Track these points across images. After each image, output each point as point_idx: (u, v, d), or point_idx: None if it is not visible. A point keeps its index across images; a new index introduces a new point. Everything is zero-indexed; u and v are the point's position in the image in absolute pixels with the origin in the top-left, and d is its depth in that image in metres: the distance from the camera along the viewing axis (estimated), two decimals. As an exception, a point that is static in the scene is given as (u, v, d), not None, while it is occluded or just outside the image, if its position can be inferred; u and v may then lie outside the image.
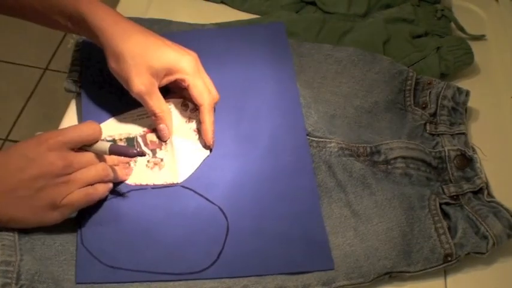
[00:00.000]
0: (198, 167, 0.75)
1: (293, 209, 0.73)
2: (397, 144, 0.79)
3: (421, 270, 0.70)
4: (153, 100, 0.74)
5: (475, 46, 0.90)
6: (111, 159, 0.71)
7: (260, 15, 0.97)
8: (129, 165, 0.74)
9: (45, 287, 0.64)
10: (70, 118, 0.81)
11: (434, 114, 0.83)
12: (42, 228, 0.68)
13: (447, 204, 0.75)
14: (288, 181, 0.75)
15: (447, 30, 0.95)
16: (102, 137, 0.70)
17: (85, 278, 0.66)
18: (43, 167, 0.64)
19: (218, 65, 0.85)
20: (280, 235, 0.71)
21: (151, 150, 0.76)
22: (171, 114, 0.77)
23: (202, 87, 0.75)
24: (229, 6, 0.99)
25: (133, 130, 0.77)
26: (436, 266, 0.70)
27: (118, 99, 0.79)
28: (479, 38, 0.96)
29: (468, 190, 0.76)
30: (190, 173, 0.74)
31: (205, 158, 0.76)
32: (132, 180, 0.74)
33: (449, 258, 0.70)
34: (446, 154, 0.79)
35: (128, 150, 0.68)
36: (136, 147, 0.76)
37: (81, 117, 0.80)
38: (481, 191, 0.76)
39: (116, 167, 0.72)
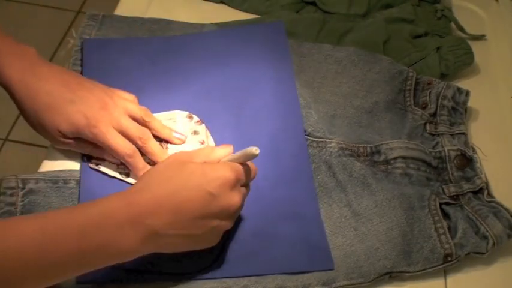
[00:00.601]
0: None
1: (292, 211, 0.73)
2: (397, 144, 0.79)
3: (421, 270, 0.70)
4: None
5: (475, 46, 0.90)
6: None
7: (260, 15, 0.97)
8: None
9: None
10: (70, 118, 0.81)
11: (434, 114, 0.83)
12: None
13: (447, 204, 0.75)
14: (287, 184, 0.75)
15: (447, 30, 0.95)
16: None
17: (85, 277, 0.66)
18: (226, 206, 0.62)
19: (218, 65, 0.85)
20: (280, 236, 0.71)
21: None
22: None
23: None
24: (229, 6, 0.99)
25: None
26: (436, 266, 0.70)
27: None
28: (479, 38, 0.96)
29: (468, 190, 0.76)
30: None
31: None
32: (132, 180, 0.74)
33: (449, 258, 0.70)
34: (446, 154, 0.79)
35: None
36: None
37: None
38: (481, 191, 0.76)
39: None
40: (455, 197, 0.76)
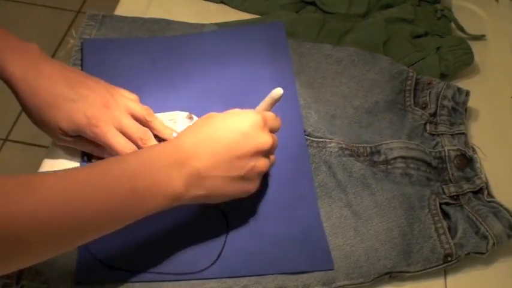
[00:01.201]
0: None
1: (292, 211, 0.73)
2: (397, 144, 0.79)
3: (421, 270, 0.70)
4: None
5: (475, 46, 0.90)
6: None
7: (260, 15, 0.97)
8: None
9: (45, 287, 0.64)
10: (70, 118, 0.81)
11: (434, 114, 0.83)
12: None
13: (447, 204, 0.75)
14: (287, 184, 0.75)
15: (447, 30, 0.95)
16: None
17: (85, 277, 0.66)
18: (258, 144, 0.65)
19: (218, 65, 0.85)
20: (280, 236, 0.71)
21: None
22: None
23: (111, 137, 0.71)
24: (229, 6, 0.99)
25: None
26: (436, 266, 0.70)
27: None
28: (479, 38, 0.96)
29: (468, 190, 0.76)
30: None
31: None
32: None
33: (449, 258, 0.70)
34: (446, 154, 0.79)
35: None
36: None
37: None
38: (481, 191, 0.76)
39: None
40: (455, 197, 0.76)
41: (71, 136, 0.73)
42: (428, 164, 0.78)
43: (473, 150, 0.80)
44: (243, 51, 0.87)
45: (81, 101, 0.71)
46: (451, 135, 0.81)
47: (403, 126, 0.83)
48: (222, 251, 0.69)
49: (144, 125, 0.74)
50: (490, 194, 0.75)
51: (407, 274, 0.70)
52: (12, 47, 0.72)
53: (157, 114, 0.77)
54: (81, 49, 0.85)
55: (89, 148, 0.74)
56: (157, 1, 0.98)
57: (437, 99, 0.83)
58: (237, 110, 0.68)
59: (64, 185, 0.56)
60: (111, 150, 0.71)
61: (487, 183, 0.76)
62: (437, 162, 0.79)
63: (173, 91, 0.82)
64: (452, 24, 0.96)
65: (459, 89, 0.84)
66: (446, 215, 0.74)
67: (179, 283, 0.67)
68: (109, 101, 0.72)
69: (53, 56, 1.94)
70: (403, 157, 0.78)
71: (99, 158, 0.75)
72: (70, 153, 0.76)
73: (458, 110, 0.83)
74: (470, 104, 0.84)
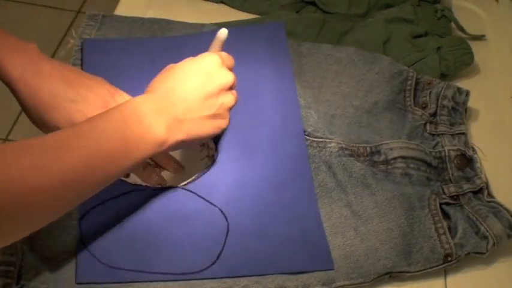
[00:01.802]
0: (198, 174, 0.75)
1: (292, 211, 0.73)
2: (397, 144, 0.79)
3: (421, 270, 0.70)
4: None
5: (475, 46, 0.90)
6: None
7: (260, 15, 0.97)
8: None
9: (45, 287, 0.64)
10: (70, 118, 0.81)
11: (434, 114, 0.83)
12: (42, 228, 0.68)
13: (447, 204, 0.75)
14: (287, 184, 0.75)
15: (447, 30, 0.95)
16: None
17: (85, 278, 0.66)
18: (222, 81, 0.68)
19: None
20: (280, 236, 0.71)
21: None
22: None
23: None
24: (229, 6, 0.99)
25: None
26: (436, 266, 0.70)
27: (118, 99, 0.79)
28: (479, 38, 0.96)
29: (468, 190, 0.76)
30: (190, 178, 0.74)
31: (208, 166, 0.76)
32: (132, 179, 0.74)
33: (449, 258, 0.70)
34: (446, 154, 0.79)
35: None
36: None
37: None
38: (481, 191, 0.76)
39: None
40: (455, 197, 0.76)
41: None
42: (428, 164, 0.78)
43: (473, 150, 0.80)
44: (243, 51, 0.87)
45: (81, 102, 0.71)
46: (451, 135, 0.81)
47: (403, 126, 0.83)
48: (222, 251, 0.69)
49: None
50: (490, 194, 0.75)
51: (407, 274, 0.70)
52: (10, 46, 0.71)
53: None
54: (81, 49, 0.85)
55: None
56: (157, 1, 0.98)
57: (437, 99, 0.83)
58: (192, 57, 0.70)
59: (56, 143, 0.58)
60: None
61: (487, 183, 0.76)
62: (437, 162, 0.79)
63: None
64: (452, 24, 0.96)
65: (459, 89, 0.84)
66: (446, 215, 0.74)
67: (179, 283, 0.67)
68: (109, 102, 0.72)
69: (52, 56, 1.94)
70: (403, 157, 0.78)
71: None
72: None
73: (458, 110, 0.83)
74: (470, 104, 0.84)
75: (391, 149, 0.78)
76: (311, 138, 0.79)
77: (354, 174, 0.76)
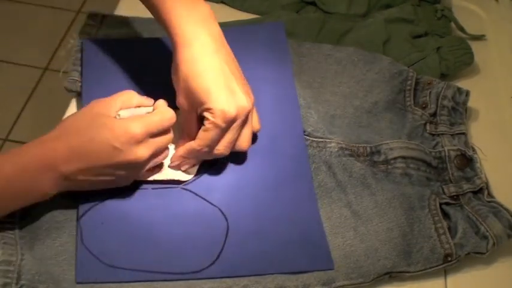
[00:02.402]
0: (198, 172, 0.75)
1: (292, 212, 0.73)
2: (397, 144, 0.79)
3: (421, 270, 0.70)
4: (185, 122, 0.72)
5: (475, 46, 0.90)
6: None
7: (260, 15, 0.97)
8: None
9: (45, 287, 0.64)
10: (70, 118, 0.81)
11: (434, 114, 0.83)
12: (42, 228, 0.68)
13: (447, 204, 0.75)
14: (286, 184, 0.75)
15: (447, 30, 0.95)
16: None
17: (85, 277, 0.66)
18: (131, 160, 0.65)
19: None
20: (280, 236, 0.71)
21: None
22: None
23: (211, 138, 0.69)
24: (229, 6, 0.99)
25: None
26: (436, 266, 0.70)
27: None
28: (479, 38, 0.96)
29: (468, 190, 0.76)
30: (190, 176, 0.74)
31: (207, 165, 0.76)
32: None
33: (449, 258, 0.70)
34: (446, 154, 0.79)
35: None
36: None
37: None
38: (481, 191, 0.76)
39: None
40: (455, 197, 0.76)
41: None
42: (428, 164, 0.78)
43: (473, 150, 0.80)
44: (242, 51, 0.86)
45: (226, 92, 0.68)
46: (451, 135, 0.81)
47: (403, 126, 0.83)
48: (221, 250, 0.69)
49: None
50: (490, 194, 0.75)
51: (407, 274, 0.70)
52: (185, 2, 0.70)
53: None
54: (81, 49, 0.85)
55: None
56: (157, 1, 0.98)
57: (437, 99, 0.83)
58: (116, 122, 0.66)
59: None
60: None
61: (487, 183, 0.76)
62: (437, 162, 0.79)
63: (173, 92, 0.82)
64: (452, 24, 0.96)
65: (459, 89, 0.84)
66: (446, 215, 0.74)
67: (179, 283, 0.67)
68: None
69: (53, 56, 1.94)
70: (403, 157, 0.78)
71: None
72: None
73: (458, 110, 0.83)
74: (470, 104, 0.84)
75: (391, 149, 0.78)
76: (311, 138, 0.79)
77: (354, 174, 0.76)
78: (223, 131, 0.69)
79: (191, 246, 0.69)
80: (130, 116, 0.67)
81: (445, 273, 0.72)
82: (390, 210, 0.74)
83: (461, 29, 0.95)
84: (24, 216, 0.69)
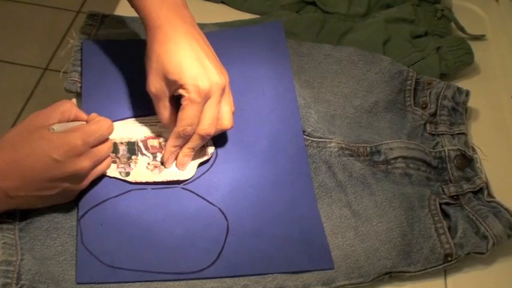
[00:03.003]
0: (198, 172, 0.75)
1: (292, 211, 0.73)
2: (397, 144, 0.79)
3: (421, 270, 0.70)
4: (159, 107, 0.73)
5: (475, 46, 0.90)
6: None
7: (260, 15, 0.97)
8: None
9: (45, 287, 0.64)
10: (70, 118, 0.81)
11: (434, 114, 0.83)
12: (42, 228, 0.68)
13: (447, 204, 0.75)
14: (286, 185, 0.75)
15: (447, 30, 0.95)
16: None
17: (85, 277, 0.66)
18: (72, 171, 0.65)
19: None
20: (280, 236, 0.71)
21: (152, 154, 0.76)
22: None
23: (191, 114, 0.70)
24: (229, 6, 0.99)
25: (135, 135, 0.77)
26: (436, 266, 0.70)
27: (118, 99, 0.79)
28: (479, 38, 0.96)
29: (468, 190, 0.76)
30: (190, 177, 0.74)
31: (205, 162, 0.76)
32: (132, 177, 0.74)
33: (449, 258, 0.70)
34: (446, 154, 0.79)
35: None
36: (137, 151, 0.76)
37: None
38: (481, 191, 0.76)
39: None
40: (455, 197, 0.76)
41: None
42: (428, 164, 0.78)
43: (473, 150, 0.80)
44: (241, 52, 0.87)
45: (200, 68, 0.70)
46: (451, 135, 0.81)
47: (403, 126, 0.83)
48: (222, 250, 0.69)
49: None
50: (490, 194, 0.75)
51: (407, 274, 0.70)
52: None
53: (156, 117, 0.77)
54: (81, 49, 0.85)
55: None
56: (157, 1, 0.98)
57: (437, 99, 0.83)
58: (54, 134, 0.65)
59: None
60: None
61: (487, 183, 0.76)
62: (437, 162, 0.79)
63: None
64: (452, 24, 0.96)
65: (459, 89, 0.84)
66: (446, 215, 0.74)
67: (179, 283, 0.67)
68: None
69: (53, 56, 1.94)
70: (403, 157, 0.78)
71: None
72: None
73: (458, 110, 0.83)
74: (470, 104, 0.84)
75: (391, 149, 0.78)
76: (311, 138, 0.79)
77: (354, 174, 0.76)
78: (200, 106, 0.70)
79: (191, 246, 0.69)
80: (64, 129, 0.67)
81: (445, 273, 0.72)
82: (390, 210, 0.74)
83: (461, 29, 0.95)
84: (25, 217, 0.69)
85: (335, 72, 0.87)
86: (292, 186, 0.75)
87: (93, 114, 0.71)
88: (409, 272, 0.70)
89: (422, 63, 0.89)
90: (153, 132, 0.77)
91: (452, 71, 0.89)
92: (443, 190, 0.76)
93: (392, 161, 0.78)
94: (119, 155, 0.75)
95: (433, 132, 0.82)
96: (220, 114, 0.72)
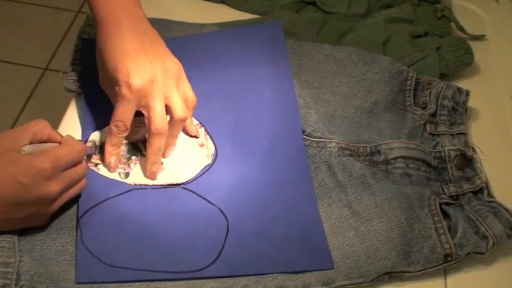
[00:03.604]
0: (198, 173, 0.75)
1: (292, 211, 0.73)
2: (397, 144, 0.79)
3: (421, 270, 0.70)
4: (113, 102, 0.73)
5: (475, 46, 0.90)
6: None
7: (260, 15, 0.97)
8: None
9: (44, 287, 0.64)
10: (70, 118, 0.81)
11: (434, 114, 0.83)
12: (42, 229, 0.68)
13: (447, 204, 0.75)
14: (286, 185, 0.75)
15: (447, 30, 0.95)
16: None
17: (85, 277, 0.66)
18: (39, 195, 0.62)
19: (216, 67, 0.85)
20: (280, 236, 0.71)
21: None
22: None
23: (122, 111, 0.71)
24: (229, 6, 0.99)
25: (135, 135, 0.77)
26: (436, 266, 0.70)
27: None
28: (479, 38, 0.96)
29: (468, 190, 0.76)
30: (190, 177, 0.74)
31: (207, 166, 0.76)
32: (132, 180, 0.74)
33: (449, 258, 0.70)
34: (446, 154, 0.79)
35: None
36: (136, 152, 0.76)
37: (81, 117, 0.80)
38: (481, 191, 0.76)
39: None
40: (455, 197, 0.76)
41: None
42: (428, 164, 0.78)
43: (473, 150, 0.80)
44: (241, 52, 0.87)
45: (139, 61, 0.71)
46: (451, 135, 0.81)
47: (403, 126, 0.83)
48: (222, 250, 0.69)
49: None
50: (490, 194, 0.75)
51: (407, 274, 0.70)
52: None
53: None
54: (81, 49, 0.85)
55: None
56: (157, 1, 0.98)
57: (437, 99, 0.83)
58: (22, 157, 0.63)
59: None
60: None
61: (487, 183, 0.76)
62: (437, 162, 0.79)
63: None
64: (452, 24, 0.96)
65: (459, 89, 0.84)
66: (446, 215, 0.74)
67: (179, 283, 0.67)
68: (156, 78, 0.71)
69: (53, 56, 1.94)
70: (403, 157, 0.78)
71: (101, 158, 0.75)
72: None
73: (458, 110, 0.83)
74: (470, 104, 0.84)
75: (391, 149, 0.78)
76: (311, 138, 0.79)
77: (354, 174, 0.76)
78: (132, 103, 0.70)
79: (191, 245, 0.69)
80: (35, 151, 0.64)
81: (445, 273, 0.72)
82: (390, 210, 0.74)
83: (461, 29, 0.95)
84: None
85: (335, 72, 0.87)
86: (292, 186, 0.75)
87: (67, 136, 0.69)
88: (409, 272, 0.70)
89: (422, 63, 0.89)
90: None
91: (452, 71, 0.89)
92: (443, 190, 0.76)
93: (392, 161, 0.78)
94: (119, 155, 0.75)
95: (433, 132, 0.82)
96: (170, 105, 0.72)
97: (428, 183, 0.77)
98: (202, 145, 0.78)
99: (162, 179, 0.74)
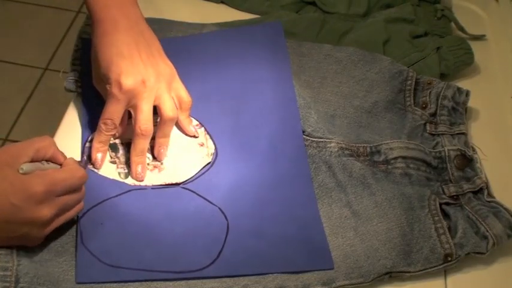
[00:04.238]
0: (198, 172, 0.75)
1: (292, 211, 0.73)
2: (397, 144, 0.79)
3: (421, 270, 0.70)
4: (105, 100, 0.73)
5: (475, 46, 0.90)
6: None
7: (260, 15, 0.97)
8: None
9: (44, 288, 0.64)
10: (70, 118, 0.81)
11: (434, 114, 0.83)
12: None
13: (447, 204, 0.75)
14: (286, 185, 0.75)
15: (447, 30, 0.95)
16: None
17: (85, 277, 0.66)
18: (29, 218, 0.61)
19: (216, 67, 0.85)
20: (280, 236, 0.71)
21: (152, 154, 0.76)
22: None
23: (110, 109, 0.71)
24: (229, 6, 0.99)
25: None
26: (436, 266, 0.70)
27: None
28: (479, 38, 0.96)
29: (468, 190, 0.76)
30: (190, 176, 0.74)
31: (206, 165, 0.76)
32: (131, 180, 0.74)
33: (449, 258, 0.70)
34: (446, 154, 0.79)
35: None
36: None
37: (81, 117, 0.80)
38: (481, 191, 0.76)
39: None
40: (455, 197, 0.76)
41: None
42: (428, 164, 0.78)
43: (473, 150, 0.80)
44: (241, 52, 0.87)
45: (130, 63, 0.71)
46: (451, 135, 0.81)
47: (403, 126, 0.83)
48: (222, 250, 0.69)
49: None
50: (490, 194, 0.75)
51: (407, 274, 0.70)
52: None
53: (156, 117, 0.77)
54: (81, 49, 0.85)
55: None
56: (158, 1, 0.98)
57: (437, 99, 0.83)
58: (18, 177, 0.61)
59: None
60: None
61: (487, 183, 0.76)
62: (437, 162, 0.79)
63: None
64: (452, 24, 0.96)
65: (459, 89, 0.84)
66: (446, 215, 0.74)
67: (179, 283, 0.67)
68: (148, 80, 0.72)
69: (53, 56, 1.94)
70: (403, 157, 0.78)
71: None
72: (69, 154, 0.76)
73: (458, 110, 0.83)
74: (470, 104, 0.84)
75: (391, 148, 0.78)
76: (311, 138, 0.79)
77: (354, 174, 0.76)
78: (121, 102, 0.71)
79: (191, 245, 0.69)
80: (33, 171, 0.62)
81: (445, 273, 0.72)
82: (390, 210, 0.74)
83: (461, 29, 0.95)
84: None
85: (335, 72, 0.87)
86: (292, 186, 0.75)
87: (69, 160, 0.67)
88: (409, 272, 0.70)
89: (422, 63, 0.89)
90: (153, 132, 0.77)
91: (452, 71, 0.89)
92: (443, 190, 0.76)
93: (392, 161, 0.78)
94: (119, 155, 0.75)
95: (433, 132, 0.82)
96: (160, 106, 0.73)
97: (428, 183, 0.77)
98: (202, 145, 0.78)
99: (161, 178, 0.74)
